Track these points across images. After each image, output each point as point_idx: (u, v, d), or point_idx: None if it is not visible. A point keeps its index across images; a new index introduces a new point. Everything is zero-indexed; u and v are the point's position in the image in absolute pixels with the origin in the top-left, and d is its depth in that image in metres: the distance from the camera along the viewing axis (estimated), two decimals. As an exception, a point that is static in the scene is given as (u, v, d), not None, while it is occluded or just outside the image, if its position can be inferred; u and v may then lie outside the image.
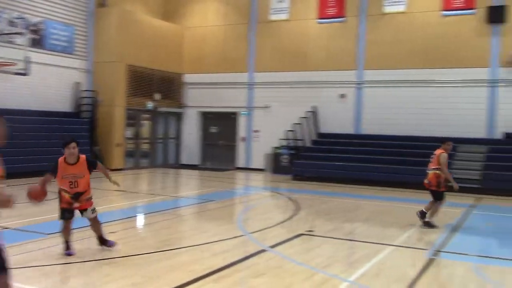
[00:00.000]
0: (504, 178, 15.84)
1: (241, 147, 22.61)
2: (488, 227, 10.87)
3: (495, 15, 17.90)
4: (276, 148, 20.85)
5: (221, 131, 23.23)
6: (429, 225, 10.15)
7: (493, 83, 18.14)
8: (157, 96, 22.17)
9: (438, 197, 10.33)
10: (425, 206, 10.40)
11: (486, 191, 15.51)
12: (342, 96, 20.42)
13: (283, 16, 21.68)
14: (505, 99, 17.90)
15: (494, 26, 18.03)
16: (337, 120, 20.49)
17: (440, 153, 10.30)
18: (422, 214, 10.32)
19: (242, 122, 22.58)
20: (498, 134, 17.96)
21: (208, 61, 23.05)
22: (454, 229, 10.15)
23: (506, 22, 17.82)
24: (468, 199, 14.12)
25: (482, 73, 18.24)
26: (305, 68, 20.97)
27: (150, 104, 21.83)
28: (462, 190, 15.20)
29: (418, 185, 16.44)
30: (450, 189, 10.42)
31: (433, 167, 10.36)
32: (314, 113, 20.72)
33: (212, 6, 23.26)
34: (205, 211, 12.04)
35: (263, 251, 7.78)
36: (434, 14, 19.03)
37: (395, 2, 19.62)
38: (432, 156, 10.53)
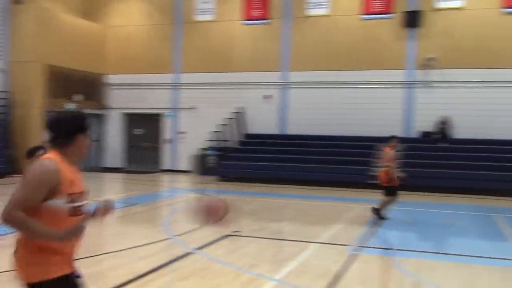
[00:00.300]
0: (421, 175, 16.62)
1: (166, 149, 22.29)
2: (407, 222, 11.36)
3: (411, 20, 18.78)
4: (203, 149, 20.73)
5: (146, 133, 22.79)
6: (378, 214, 10.66)
7: (409, 84, 19.03)
8: (78, 97, 21.40)
9: (390, 192, 10.78)
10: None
11: (404, 187, 16.20)
12: (267, 97, 20.64)
13: (208, 17, 21.60)
14: (421, 100, 18.82)
15: (410, 30, 18.91)
16: (264, 120, 20.69)
17: (387, 150, 10.78)
18: (375, 211, 10.83)
19: (167, 124, 22.27)
20: (415, 133, 18.84)
21: (132, 62, 22.54)
22: (376, 224, 10.53)
23: (421, 26, 18.75)
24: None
25: (399, 75, 19.08)
26: (231, 69, 21.01)
27: (70, 106, 21.02)
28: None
29: (341, 184, 16.98)
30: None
31: (382, 165, 10.83)
32: (240, 114, 20.81)
33: (135, 5, 22.78)
34: (129, 215, 11.75)
35: (189, 253, 7.70)
36: (354, 18, 19.68)
37: (318, 5, 20.10)
38: (379, 154, 10.98)
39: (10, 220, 2.79)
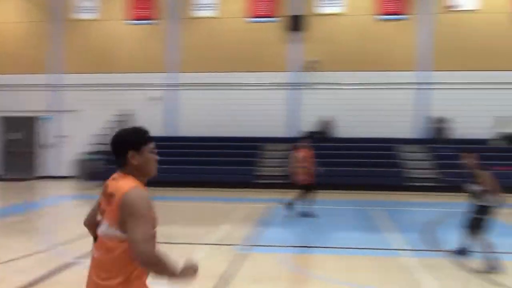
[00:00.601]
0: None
1: (48, 154, 20.98)
2: (293, 219, 11.67)
3: (294, 24, 19.42)
4: (87, 153, 19.78)
5: (23, 137, 21.27)
6: (289, 208, 11.13)
7: (294, 86, 19.66)
8: None
9: (306, 188, 11.25)
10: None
11: (289, 186, 16.67)
12: (154, 98, 20.23)
13: (90, 16, 20.70)
14: (305, 101, 19.53)
15: (294, 34, 19.55)
16: (152, 122, 20.19)
17: (297, 151, 11.42)
18: (288, 205, 11.25)
19: (48, 128, 20.97)
20: (299, 133, 19.48)
21: (5, 61, 20.94)
22: (264, 223, 10.70)
23: (304, 30, 19.46)
24: (275, 194, 15.03)
25: (284, 77, 19.64)
26: (116, 70, 20.30)
27: None
28: (269, 186, 16.12)
29: (230, 184, 17.08)
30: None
31: (293, 165, 11.41)
32: (127, 116, 20.17)
33: (9, 1, 21.21)
34: (4, 225, 10.87)
35: (71, 263, 7.27)
36: (240, 21, 19.94)
37: (205, 6, 20.08)
38: (290, 154, 11.67)
39: (150, 260, 2.67)
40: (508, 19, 18.94)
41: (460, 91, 18.83)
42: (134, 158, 2.83)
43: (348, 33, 19.47)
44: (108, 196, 2.77)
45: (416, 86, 19.18)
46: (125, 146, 2.84)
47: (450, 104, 18.88)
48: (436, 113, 18.97)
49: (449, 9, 19.09)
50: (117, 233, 2.69)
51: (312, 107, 19.37)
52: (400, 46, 19.27)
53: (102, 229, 2.76)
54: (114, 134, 2.93)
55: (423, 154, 18.37)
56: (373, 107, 19.17)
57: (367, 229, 10.60)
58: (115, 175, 2.89)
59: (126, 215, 2.66)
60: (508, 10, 18.98)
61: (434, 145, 18.38)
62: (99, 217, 2.83)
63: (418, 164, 17.80)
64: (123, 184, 2.76)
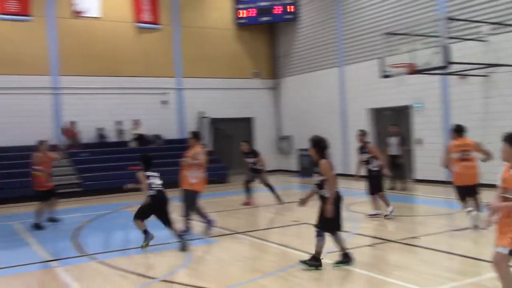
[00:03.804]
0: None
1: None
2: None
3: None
4: None
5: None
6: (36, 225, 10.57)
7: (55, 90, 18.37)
8: None
9: (42, 197, 10.79)
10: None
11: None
12: None
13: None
14: (68, 106, 18.30)
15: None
16: None
17: (36, 154, 10.92)
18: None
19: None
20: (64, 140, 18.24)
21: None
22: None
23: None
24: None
25: (44, 81, 18.11)
26: None
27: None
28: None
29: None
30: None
31: (33, 169, 10.92)
32: None
33: None
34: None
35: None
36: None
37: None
38: (33, 158, 11.06)
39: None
40: (131, 29, 19.26)
41: (86, 96, 18.55)
42: None
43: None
44: None
45: (50, 91, 18.08)
46: None
47: (79, 108, 18.36)
48: (68, 117, 18.07)
49: (75, 14, 18.49)
50: None
51: None
52: (31, 49, 17.75)
53: None
54: None
55: (63, 160, 16.14)
56: (8, 113, 17.23)
57: (14, 245, 9.45)
58: None
59: None
60: (130, 20, 19.23)
61: (72, 151, 17.40)
62: None
63: (59, 170, 14.99)
64: None
